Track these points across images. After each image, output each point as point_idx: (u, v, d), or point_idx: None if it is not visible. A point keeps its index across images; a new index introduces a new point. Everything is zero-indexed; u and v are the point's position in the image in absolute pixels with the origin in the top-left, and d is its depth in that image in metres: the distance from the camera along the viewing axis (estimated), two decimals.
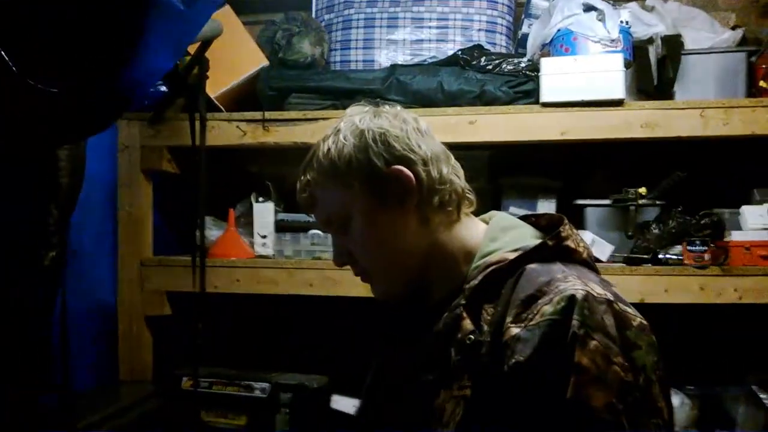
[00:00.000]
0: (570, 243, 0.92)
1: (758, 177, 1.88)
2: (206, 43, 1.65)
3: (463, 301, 0.89)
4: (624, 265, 1.78)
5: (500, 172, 2.01)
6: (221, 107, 1.96)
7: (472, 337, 0.85)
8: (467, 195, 0.99)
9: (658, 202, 1.86)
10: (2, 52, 0.74)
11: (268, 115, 1.91)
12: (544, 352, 0.78)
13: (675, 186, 1.83)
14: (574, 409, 0.76)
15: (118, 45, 0.81)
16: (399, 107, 1.02)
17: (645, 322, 0.84)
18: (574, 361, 0.77)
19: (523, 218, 1.03)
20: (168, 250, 2.08)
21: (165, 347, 2.03)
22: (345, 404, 1.72)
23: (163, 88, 1.87)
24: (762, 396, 1.72)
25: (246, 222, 2.07)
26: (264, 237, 2.03)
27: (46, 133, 0.94)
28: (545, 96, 1.77)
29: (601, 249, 1.82)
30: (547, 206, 1.94)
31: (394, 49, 2.01)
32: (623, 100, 1.75)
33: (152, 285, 1.98)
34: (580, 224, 1.89)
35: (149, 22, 0.86)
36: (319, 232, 1.96)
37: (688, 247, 1.73)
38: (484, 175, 1.98)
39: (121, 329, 1.98)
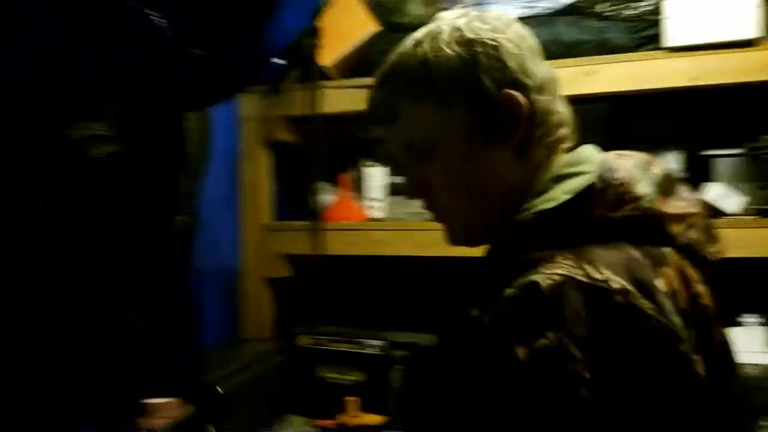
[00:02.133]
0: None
1: None
2: (318, 13, 1.67)
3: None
4: (759, 216, 1.67)
5: (621, 124, 1.92)
6: (334, 76, 1.98)
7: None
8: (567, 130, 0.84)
9: None
10: (158, 20, 0.77)
11: None
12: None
13: None
14: None
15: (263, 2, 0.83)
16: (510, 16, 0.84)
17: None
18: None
19: None
20: (286, 215, 2.14)
21: (285, 307, 2.10)
22: None
23: (279, 61, 1.91)
24: None
25: (358, 186, 2.10)
26: (375, 200, 2.05)
27: (192, 97, 0.99)
28: (671, 40, 1.66)
29: (731, 201, 1.71)
30: (673, 158, 1.84)
31: (506, 2, 1.94)
32: (759, 39, 1.62)
33: (272, 248, 2.05)
34: (708, 176, 1.78)
35: None
36: None
37: None
38: (604, 128, 1.89)
39: (243, 290, 2.07)
